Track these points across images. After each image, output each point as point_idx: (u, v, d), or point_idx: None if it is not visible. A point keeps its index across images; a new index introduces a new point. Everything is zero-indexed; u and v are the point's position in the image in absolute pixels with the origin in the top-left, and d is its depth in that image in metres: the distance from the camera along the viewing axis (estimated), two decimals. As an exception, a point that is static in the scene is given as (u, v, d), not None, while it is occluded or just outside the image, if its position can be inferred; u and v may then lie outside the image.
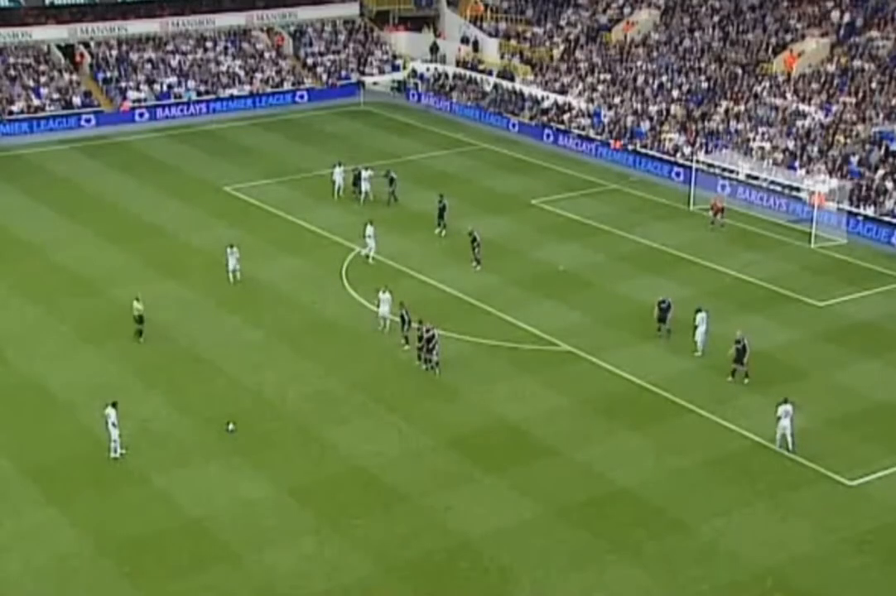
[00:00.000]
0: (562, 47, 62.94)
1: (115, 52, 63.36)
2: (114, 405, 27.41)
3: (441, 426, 28.88)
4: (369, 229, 39.33)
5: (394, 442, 28.15)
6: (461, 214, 42.58)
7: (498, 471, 26.91)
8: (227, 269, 37.61)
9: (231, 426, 28.58)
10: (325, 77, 65.70)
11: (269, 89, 63.39)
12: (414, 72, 65.86)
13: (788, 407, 27.82)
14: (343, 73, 66.17)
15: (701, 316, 32.63)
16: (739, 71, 54.77)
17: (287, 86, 64.11)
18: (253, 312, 35.72)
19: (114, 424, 27.17)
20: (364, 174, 45.71)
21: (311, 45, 68.15)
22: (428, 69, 65.55)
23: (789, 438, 27.74)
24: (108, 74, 61.84)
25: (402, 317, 32.65)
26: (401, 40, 69.40)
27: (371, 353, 33.00)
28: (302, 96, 63.77)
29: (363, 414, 29.55)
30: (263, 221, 44.15)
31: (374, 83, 65.61)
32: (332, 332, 34.47)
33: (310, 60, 66.90)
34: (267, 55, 66.23)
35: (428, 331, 31.51)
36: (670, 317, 33.26)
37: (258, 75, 64.16)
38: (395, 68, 67.24)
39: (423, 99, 63.83)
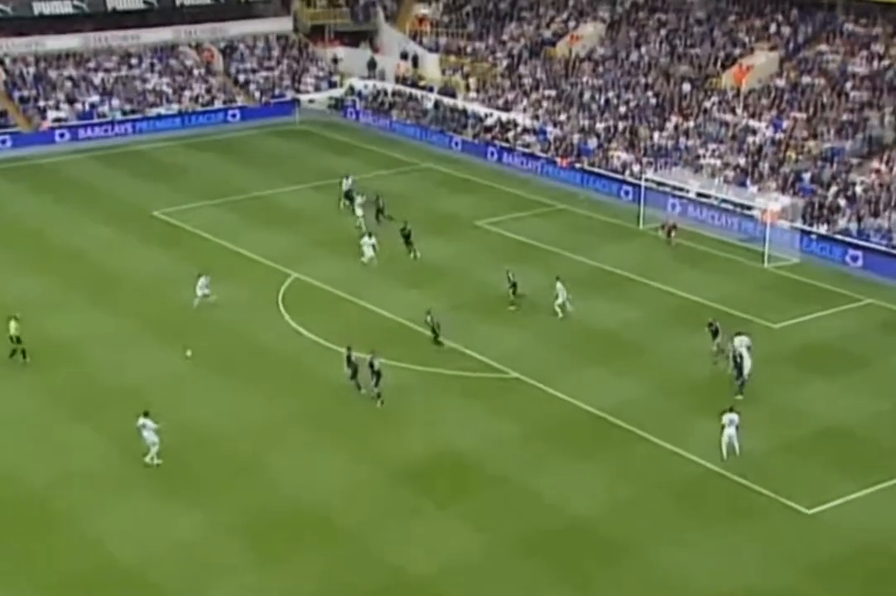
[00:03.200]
0: (505, 63, 63.95)
1: (32, 70, 63.22)
2: (146, 414, 28.64)
3: (386, 457, 29.17)
4: (368, 239, 41.38)
5: (336, 475, 28.38)
6: (401, 226, 42.90)
7: (446, 503, 27.25)
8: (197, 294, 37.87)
9: (189, 353, 30.23)
10: (258, 95, 66.08)
11: (198, 108, 63.64)
12: (351, 89, 66.47)
13: (733, 416, 28.86)
14: (277, 90, 66.60)
15: (740, 340, 32.81)
16: (688, 86, 56.07)
17: (218, 104, 64.41)
18: (184, 340, 35.76)
19: (156, 431, 28.46)
20: (358, 200, 46.02)
21: (242, 61, 68.53)
22: (366, 86, 66.22)
23: (735, 444, 28.77)
24: (26, 93, 61.67)
25: (347, 358, 32.38)
26: (337, 56, 70.03)
27: (310, 382, 33.22)
28: (234, 115, 64.07)
29: (304, 446, 29.73)
30: (196, 246, 44.29)
31: (310, 101, 66.12)
32: (268, 360, 34.64)
33: (241, 77, 67.26)
34: (196, 72, 66.49)
35: (378, 361, 31.87)
36: (718, 340, 33.61)
37: (187, 93, 64.37)
38: (332, 85, 67.84)
39: (361, 117, 64.42)
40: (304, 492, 27.71)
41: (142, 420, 28.66)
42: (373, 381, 31.80)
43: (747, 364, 29.85)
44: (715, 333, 34.07)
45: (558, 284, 37.43)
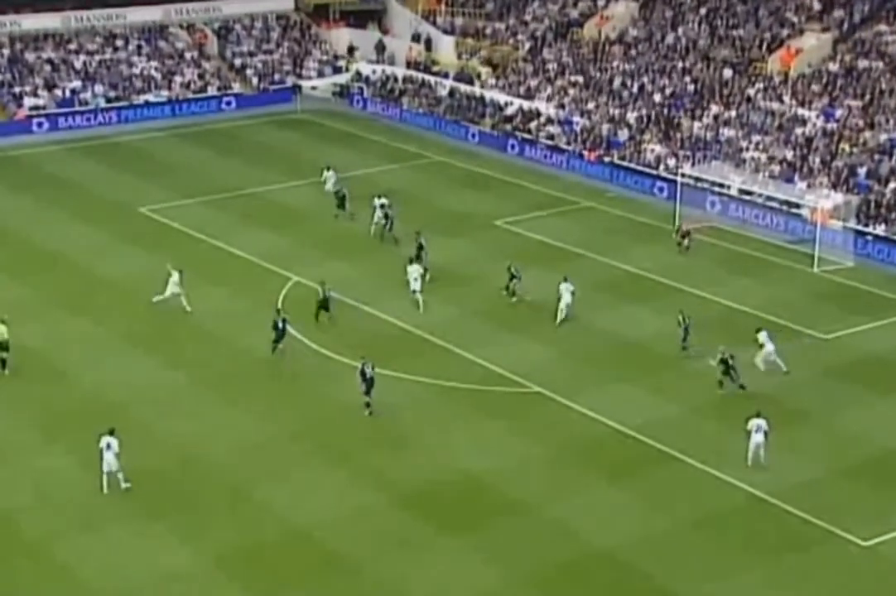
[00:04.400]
0: (527, 46, 63.86)
1: (6, 52, 63.44)
2: (111, 433, 28.02)
3: (392, 481, 28.95)
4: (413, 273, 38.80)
5: (336, 499, 28.16)
6: (414, 237, 42.76)
7: (458, 531, 27.00)
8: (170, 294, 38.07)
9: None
10: (255, 81, 66.13)
11: (190, 95, 63.71)
12: (358, 74, 66.49)
13: (761, 421, 28.94)
14: (276, 76, 66.65)
15: (763, 335, 33.77)
16: (730, 71, 55.81)
17: (212, 91, 64.45)
18: (172, 351, 35.67)
19: (116, 454, 27.86)
20: (377, 202, 45.19)
21: (238, 43, 68.65)
22: (374, 71, 66.23)
23: (762, 453, 28.90)
24: (0, 78, 61.81)
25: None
26: (343, 38, 70.17)
27: (311, 396, 33.08)
28: (229, 103, 64.10)
29: (301, 468, 29.55)
30: (186, 247, 44.16)
31: (313, 88, 66.16)
32: (265, 372, 34.51)
33: (238, 62, 67.34)
34: (188, 55, 66.58)
35: (371, 368, 31.82)
36: (735, 374, 33.03)
37: (178, 79, 64.45)
38: (337, 70, 67.87)
39: (368, 105, 64.34)
40: (301, 517, 27.50)
41: (106, 440, 28.10)
42: (362, 388, 31.72)
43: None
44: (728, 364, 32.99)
45: (563, 285, 37.33)
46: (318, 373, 34.37)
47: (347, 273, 41.52)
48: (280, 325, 35.03)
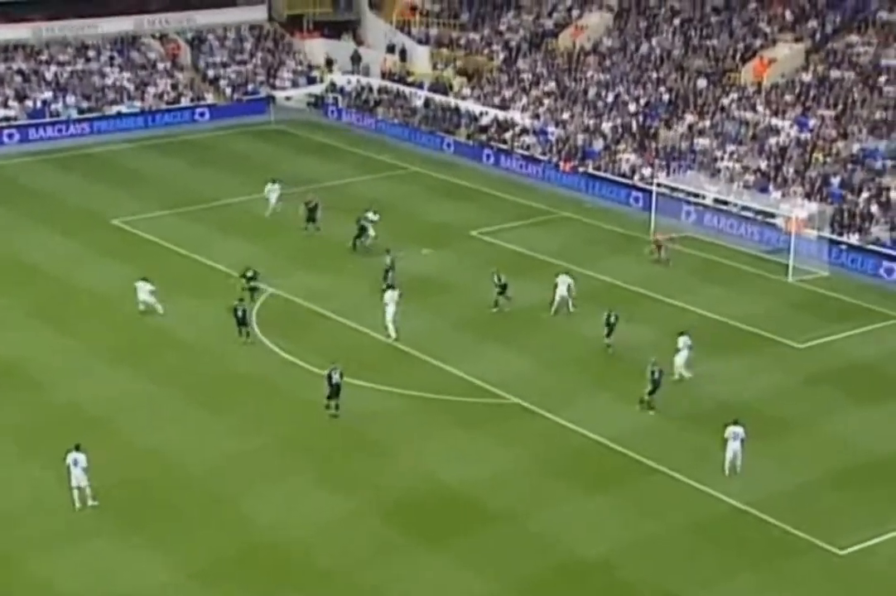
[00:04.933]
0: (502, 56, 64.18)
1: (-24, 63, 63.28)
2: (77, 448, 27.90)
3: (373, 491, 29.05)
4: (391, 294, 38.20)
5: (317, 511, 28.25)
6: (390, 247, 42.89)
7: (440, 542, 27.12)
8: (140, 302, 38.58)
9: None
10: (229, 91, 66.17)
11: (163, 106, 63.69)
12: (333, 85, 66.62)
13: (738, 429, 29.22)
14: (250, 86, 66.72)
15: (682, 340, 34.16)
16: (704, 81, 56.31)
17: (185, 102, 64.44)
18: (149, 362, 35.70)
19: (84, 469, 27.74)
20: (371, 217, 45.08)
21: (212, 54, 68.68)
22: (349, 82, 66.40)
23: (738, 463, 29.17)
24: (-30, 89, 61.71)
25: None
26: (317, 49, 70.24)
27: (289, 407, 33.16)
28: (203, 114, 64.12)
29: (283, 479, 29.62)
30: (160, 259, 44.18)
31: (287, 98, 66.27)
32: (242, 384, 34.56)
33: (211, 72, 67.37)
34: (160, 66, 66.57)
35: (339, 374, 32.16)
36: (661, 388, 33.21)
37: (150, 90, 64.41)
38: (311, 81, 67.99)
39: (343, 116, 64.50)
40: (281, 529, 27.56)
41: (72, 456, 27.94)
42: (326, 393, 32.01)
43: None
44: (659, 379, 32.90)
45: (560, 278, 38.61)
46: (296, 384, 34.43)
47: (325, 284, 41.66)
48: (240, 313, 36.46)
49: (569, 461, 30.59)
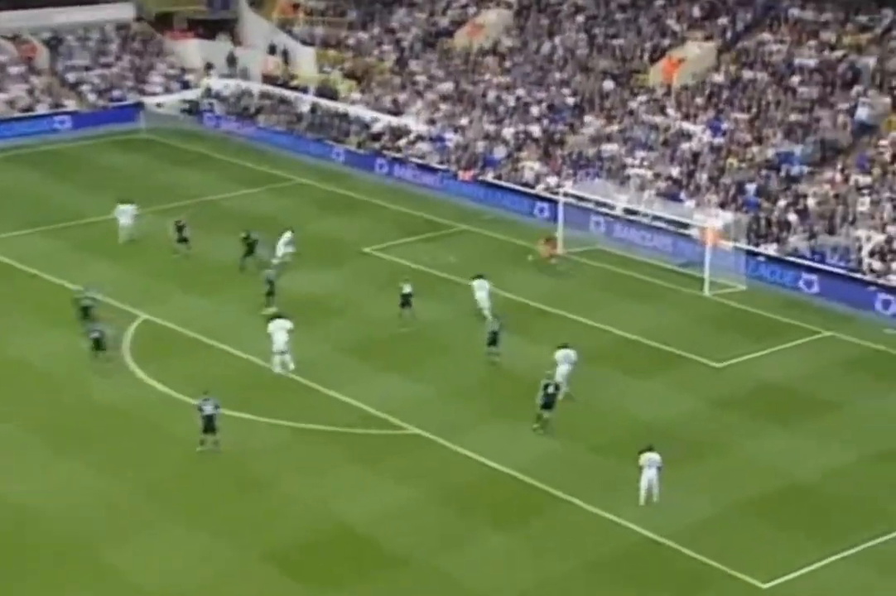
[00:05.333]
0: (394, 57, 64.59)
1: None
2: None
3: (258, 536, 28.89)
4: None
5: (195, 561, 27.99)
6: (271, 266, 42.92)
7: (336, 588, 27.04)
8: None
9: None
10: (92, 98, 65.54)
11: (17, 114, 62.80)
12: (209, 90, 66.42)
13: (654, 456, 29.67)
14: (117, 92, 66.21)
15: (563, 353, 34.92)
16: (610, 83, 57.26)
17: (42, 109, 63.73)
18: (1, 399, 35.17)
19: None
20: (287, 237, 44.80)
21: (72, 56, 68.00)
22: (227, 86, 66.25)
23: (655, 490, 29.65)
24: None
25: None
26: (191, 50, 69.96)
27: (164, 446, 32.88)
28: (63, 122, 63.46)
29: (154, 527, 29.27)
30: (18, 284, 43.60)
31: (158, 105, 65.87)
32: (111, 421, 34.19)
33: (72, 76, 66.68)
34: (14, 70, 65.71)
35: (213, 406, 32.03)
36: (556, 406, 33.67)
37: (2, 96, 63.53)
38: (185, 86, 67.74)
39: (222, 123, 64.30)
40: (154, 585, 27.14)
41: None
42: (200, 425, 31.91)
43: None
44: (553, 395, 33.52)
45: (477, 282, 39.98)
46: (170, 419, 34.10)
47: (204, 308, 41.48)
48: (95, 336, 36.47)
49: (473, 495, 30.76)
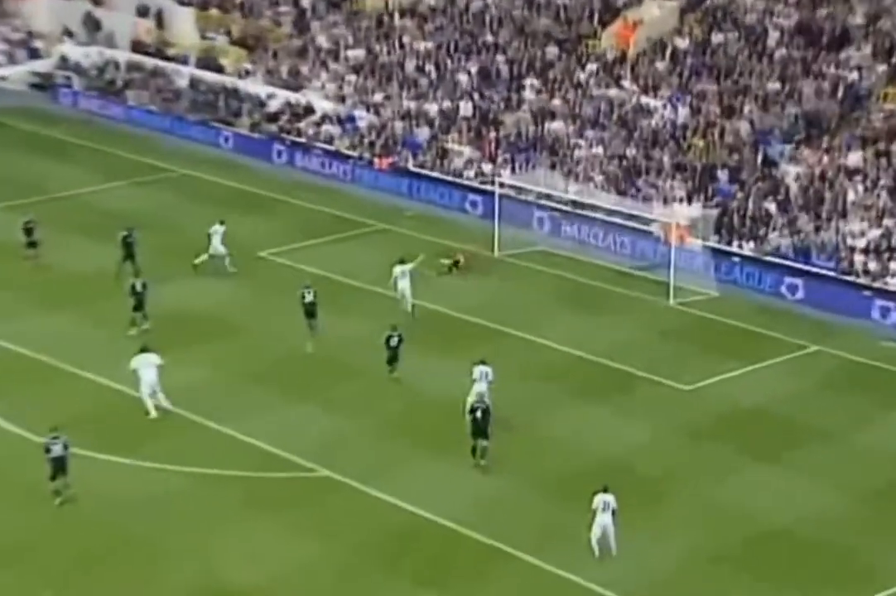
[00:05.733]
0: (291, 19, 64.67)
1: None
2: None
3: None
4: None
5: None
6: (148, 274, 42.82)
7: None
8: None
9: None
10: (-81, 71, 65.13)
11: None
12: (65, 60, 66.17)
13: (608, 497, 30.04)
14: (-52, 64, 65.82)
15: (478, 370, 35.57)
16: (554, 49, 57.70)
17: None
18: None
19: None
20: (217, 229, 45.42)
21: None
22: (87, 55, 66.00)
23: (611, 538, 29.92)
24: None
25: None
26: (41, 11, 69.63)
27: (12, 496, 32.78)
28: None
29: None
30: None
31: (1, 78, 65.47)
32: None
33: None
34: None
35: (62, 446, 31.91)
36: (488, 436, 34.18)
37: None
38: (34, 54, 67.37)
39: (81, 101, 64.16)
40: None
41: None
42: (47, 471, 31.79)
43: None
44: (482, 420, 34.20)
45: (399, 268, 42.00)
46: (20, 464, 33.78)
47: (59, 327, 41.53)
48: None
49: (391, 548, 30.91)
